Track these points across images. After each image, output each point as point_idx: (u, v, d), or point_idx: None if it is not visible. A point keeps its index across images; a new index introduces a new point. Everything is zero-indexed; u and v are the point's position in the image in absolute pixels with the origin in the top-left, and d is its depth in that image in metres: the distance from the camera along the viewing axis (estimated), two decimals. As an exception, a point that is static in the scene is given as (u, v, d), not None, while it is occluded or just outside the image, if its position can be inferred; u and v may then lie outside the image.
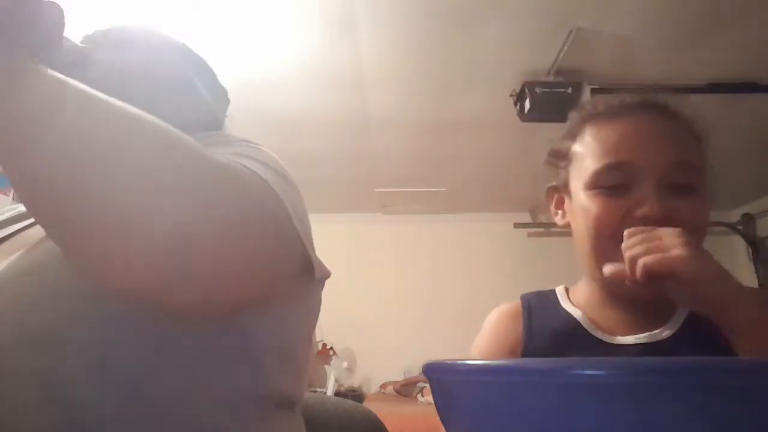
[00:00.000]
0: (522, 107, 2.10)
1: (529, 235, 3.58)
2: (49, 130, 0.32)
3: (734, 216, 3.49)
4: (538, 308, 0.72)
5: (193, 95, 0.63)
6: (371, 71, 2.08)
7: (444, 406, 0.28)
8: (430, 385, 0.29)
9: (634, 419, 0.19)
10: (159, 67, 0.60)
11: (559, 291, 0.75)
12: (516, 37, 1.87)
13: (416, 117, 2.44)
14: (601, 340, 0.64)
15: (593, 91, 2.03)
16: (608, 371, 0.20)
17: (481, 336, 0.74)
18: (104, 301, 0.41)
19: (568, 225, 0.72)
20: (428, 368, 0.28)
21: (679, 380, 0.19)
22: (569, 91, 1.99)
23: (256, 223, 0.42)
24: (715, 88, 2.07)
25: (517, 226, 3.57)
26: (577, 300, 0.71)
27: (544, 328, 0.68)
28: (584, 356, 0.59)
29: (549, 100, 1.99)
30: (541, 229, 3.55)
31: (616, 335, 0.64)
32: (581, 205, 0.65)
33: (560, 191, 0.73)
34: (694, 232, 0.58)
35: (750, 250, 3.38)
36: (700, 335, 0.58)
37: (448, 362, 0.26)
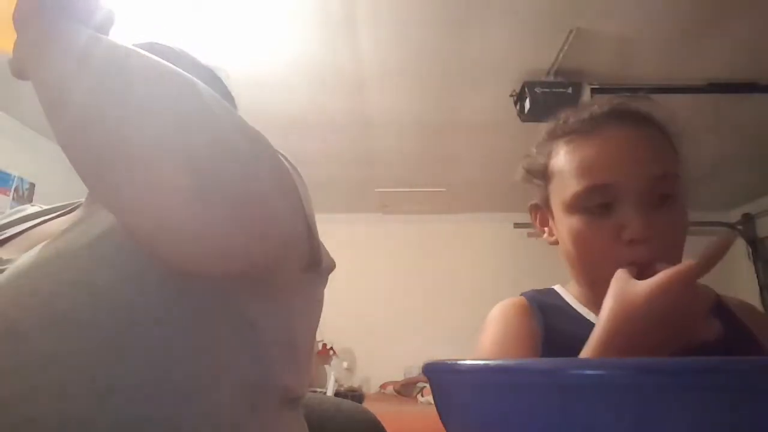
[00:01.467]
0: (522, 107, 2.10)
1: (529, 235, 3.58)
2: (80, 79, 0.36)
3: (734, 216, 3.49)
4: (548, 307, 0.69)
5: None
6: (371, 71, 2.08)
7: (444, 406, 0.28)
8: (430, 385, 0.29)
9: (635, 419, 0.19)
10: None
11: (560, 290, 0.73)
12: (516, 37, 1.87)
13: (416, 117, 2.44)
14: None
15: (593, 91, 2.03)
16: (608, 371, 0.20)
17: (492, 331, 0.69)
18: (122, 290, 0.43)
19: (556, 242, 0.70)
20: (428, 368, 0.28)
21: (679, 380, 0.19)
22: (569, 91, 1.99)
23: (276, 185, 0.42)
24: (715, 88, 2.07)
25: (517, 226, 3.57)
26: (581, 299, 0.69)
27: (558, 328, 0.66)
28: None
29: (549, 100, 1.99)
30: (541, 229, 3.54)
31: None
32: (566, 227, 0.63)
33: (542, 209, 0.71)
34: (675, 243, 0.59)
35: (750, 250, 3.38)
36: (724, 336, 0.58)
37: (448, 362, 0.26)
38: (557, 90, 2.00)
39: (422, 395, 2.83)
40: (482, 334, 0.70)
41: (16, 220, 0.61)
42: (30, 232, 0.58)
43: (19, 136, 2.58)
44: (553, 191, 0.67)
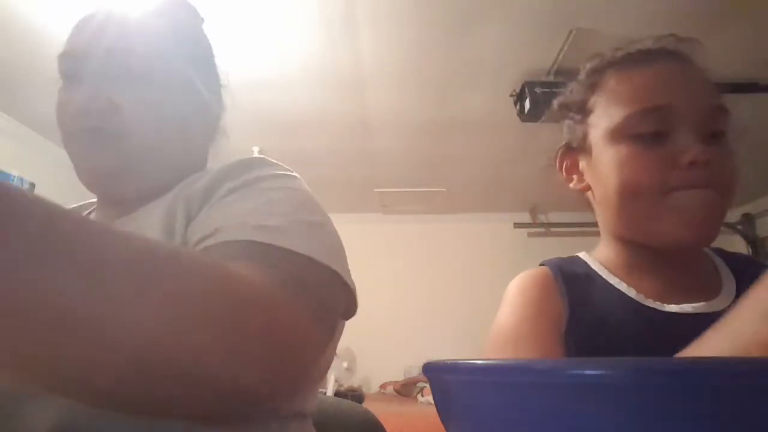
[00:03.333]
0: (522, 107, 2.10)
1: (529, 235, 3.58)
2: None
3: (734, 216, 3.49)
4: (574, 277, 0.63)
5: (195, 97, 0.62)
6: (371, 71, 2.08)
7: (444, 406, 0.28)
8: (430, 385, 0.29)
9: (635, 419, 0.19)
10: (164, 69, 0.58)
11: (587, 257, 0.67)
12: (516, 37, 1.87)
13: (416, 117, 2.44)
14: (654, 309, 0.58)
15: (593, 91, 2.03)
16: (608, 371, 0.20)
17: (511, 307, 0.62)
18: None
19: (587, 188, 0.65)
20: (428, 368, 0.28)
21: (680, 380, 0.19)
22: (569, 91, 1.99)
23: (308, 321, 0.38)
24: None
25: (517, 226, 3.57)
26: (610, 267, 0.64)
27: (587, 300, 0.60)
28: (642, 328, 0.55)
29: (549, 100, 1.98)
30: (541, 229, 3.55)
31: (667, 303, 0.58)
32: (611, 158, 0.58)
33: (574, 151, 0.66)
34: (731, 181, 0.56)
35: (750, 250, 3.38)
36: None
37: (448, 362, 0.26)
38: (557, 90, 1.99)
39: (422, 395, 2.83)
40: (499, 311, 0.64)
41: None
42: None
43: (19, 136, 2.58)
44: (595, 123, 0.62)
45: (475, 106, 2.32)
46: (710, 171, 0.54)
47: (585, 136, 0.63)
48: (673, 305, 0.57)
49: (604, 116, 0.60)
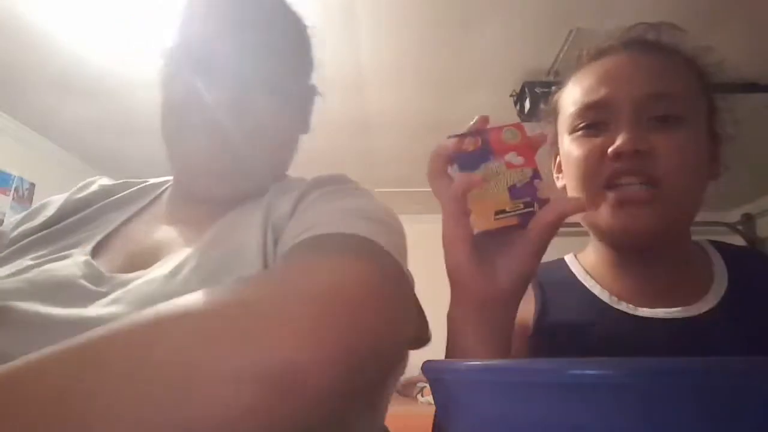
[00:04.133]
0: (522, 107, 2.10)
1: (529, 235, 3.57)
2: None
3: (734, 216, 3.49)
4: (550, 280, 0.64)
5: (308, 107, 0.67)
6: (371, 71, 2.08)
7: (444, 406, 0.28)
8: (430, 385, 0.29)
9: (635, 419, 0.19)
10: (293, 77, 0.61)
11: (569, 259, 0.68)
12: (516, 37, 1.87)
13: (416, 117, 2.44)
14: (625, 312, 0.58)
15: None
16: (608, 371, 0.20)
17: None
18: None
19: (565, 186, 0.66)
20: (428, 368, 0.28)
21: (680, 380, 0.19)
22: (569, 91, 1.99)
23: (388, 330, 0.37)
24: (715, 88, 2.07)
25: (517, 226, 3.57)
26: (591, 268, 0.65)
27: (560, 302, 0.62)
28: (611, 332, 0.55)
29: (549, 100, 1.99)
30: (541, 229, 3.54)
31: (643, 307, 0.58)
32: (564, 152, 0.61)
33: (557, 150, 0.67)
34: (678, 167, 0.54)
35: (750, 250, 3.38)
36: (741, 311, 0.54)
37: (448, 362, 0.26)
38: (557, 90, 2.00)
39: (422, 395, 2.83)
40: None
41: (91, 214, 0.56)
42: (120, 234, 0.54)
43: (19, 136, 2.58)
44: (559, 124, 0.65)
45: (475, 106, 2.32)
46: (643, 161, 0.52)
47: (555, 136, 0.66)
48: (645, 309, 0.57)
49: (561, 118, 0.63)
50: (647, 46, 0.62)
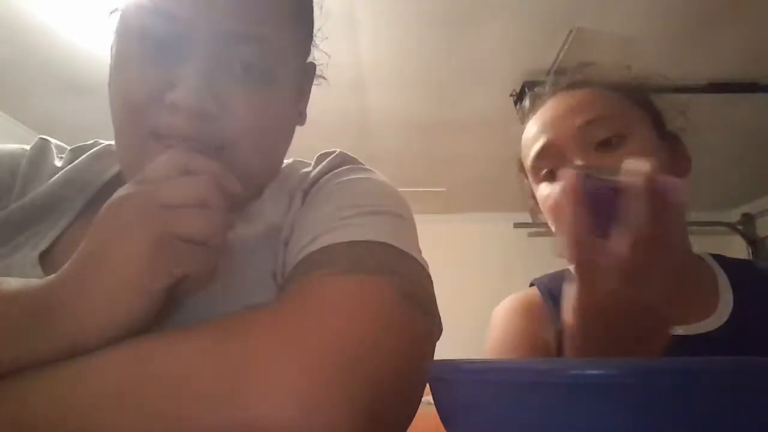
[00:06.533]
0: (522, 107, 2.10)
1: (529, 235, 3.58)
2: None
3: (734, 216, 3.49)
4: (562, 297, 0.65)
5: (303, 101, 0.56)
6: (371, 71, 2.08)
7: (444, 405, 0.28)
8: (430, 385, 0.29)
9: (636, 419, 0.19)
10: (286, 68, 0.45)
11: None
12: (516, 37, 1.87)
13: (416, 117, 2.44)
14: None
15: (593, 91, 2.03)
16: (608, 371, 0.20)
17: (499, 335, 0.63)
18: None
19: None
20: (428, 368, 0.28)
21: (680, 380, 0.19)
22: (569, 91, 2.00)
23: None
24: (715, 88, 2.07)
25: (517, 226, 3.57)
26: None
27: None
28: None
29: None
30: (541, 229, 3.53)
31: None
32: (540, 200, 0.66)
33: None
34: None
35: (750, 250, 3.38)
36: (750, 326, 0.55)
37: (448, 362, 0.26)
38: (557, 90, 2.01)
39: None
40: (488, 337, 0.66)
41: (45, 199, 0.45)
42: (75, 236, 0.43)
43: (19, 136, 2.58)
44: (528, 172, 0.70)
45: (475, 106, 2.32)
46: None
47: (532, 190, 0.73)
48: None
49: (526, 167, 0.71)
50: (571, 85, 0.66)
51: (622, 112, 0.61)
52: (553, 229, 0.64)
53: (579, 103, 0.62)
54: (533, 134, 0.65)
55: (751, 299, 0.58)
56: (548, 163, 0.62)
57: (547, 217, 0.65)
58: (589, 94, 0.63)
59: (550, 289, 0.65)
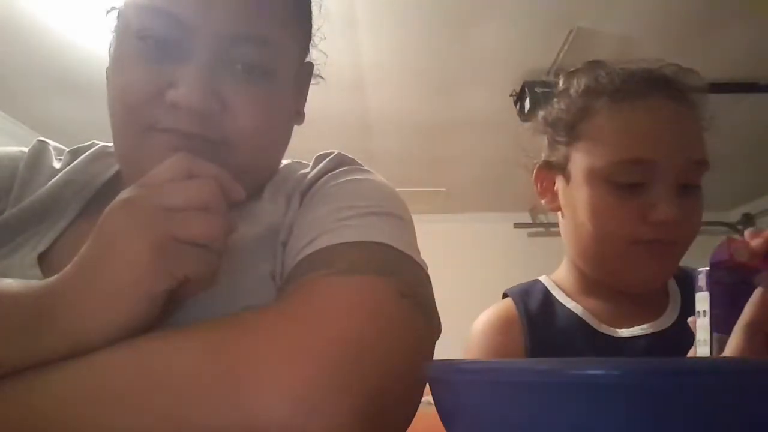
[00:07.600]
0: (522, 107, 2.10)
1: (529, 235, 3.58)
2: None
3: (734, 216, 3.49)
4: (535, 308, 0.65)
5: (302, 100, 0.56)
6: (371, 71, 2.08)
7: (443, 405, 0.28)
8: (430, 385, 0.29)
9: (636, 419, 0.19)
10: (287, 67, 0.47)
11: (548, 282, 0.69)
12: (516, 37, 1.87)
13: (416, 117, 2.44)
14: (607, 335, 0.62)
15: (593, 91, 2.03)
16: (608, 371, 0.20)
17: (479, 353, 0.64)
18: None
19: (558, 209, 0.66)
20: (428, 368, 0.28)
21: (681, 381, 0.19)
22: (569, 91, 2.00)
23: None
24: (715, 88, 2.07)
25: (517, 226, 3.57)
26: (568, 291, 0.67)
27: (546, 330, 0.63)
28: (598, 354, 0.59)
29: (549, 100, 1.99)
30: (541, 229, 3.55)
31: (620, 328, 0.62)
32: (587, 198, 0.59)
33: (553, 170, 0.65)
34: (693, 231, 0.59)
35: (750, 250, 3.38)
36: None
37: (448, 362, 0.26)
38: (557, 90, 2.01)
39: (422, 395, 2.83)
40: (468, 353, 0.67)
41: (44, 200, 0.45)
42: (73, 237, 0.43)
43: (19, 136, 2.58)
44: (579, 153, 0.61)
45: (475, 106, 2.32)
46: (677, 226, 0.56)
47: (567, 161, 0.63)
48: (624, 330, 0.62)
49: (588, 153, 0.60)
50: (682, 92, 0.62)
51: (707, 164, 0.60)
52: (582, 226, 0.61)
53: (694, 130, 0.60)
54: (633, 134, 0.57)
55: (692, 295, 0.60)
56: (634, 176, 0.57)
57: (582, 217, 0.60)
58: (697, 120, 0.62)
59: (525, 300, 0.67)
